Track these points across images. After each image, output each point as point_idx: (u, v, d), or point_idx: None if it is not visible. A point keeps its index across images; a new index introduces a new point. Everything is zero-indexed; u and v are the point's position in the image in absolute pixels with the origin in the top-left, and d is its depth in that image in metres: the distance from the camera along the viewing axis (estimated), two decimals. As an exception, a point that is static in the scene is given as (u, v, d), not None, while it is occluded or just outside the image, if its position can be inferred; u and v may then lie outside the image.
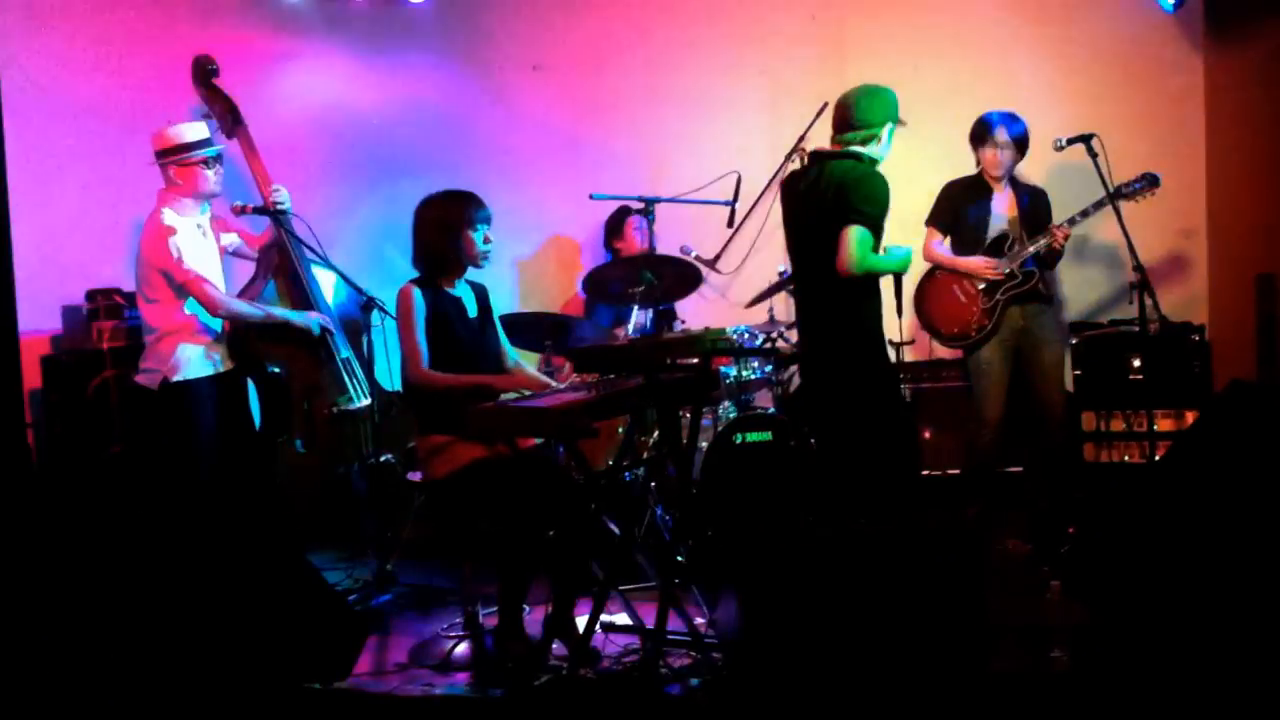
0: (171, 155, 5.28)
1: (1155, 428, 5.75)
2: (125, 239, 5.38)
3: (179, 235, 5.18)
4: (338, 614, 4.11)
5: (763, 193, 6.44)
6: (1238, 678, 3.73)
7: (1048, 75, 6.59)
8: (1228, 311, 6.34)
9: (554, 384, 4.62)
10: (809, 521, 5.42)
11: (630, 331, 5.57)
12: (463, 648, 4.50)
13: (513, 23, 6.97)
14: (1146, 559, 4.03)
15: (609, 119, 6.94)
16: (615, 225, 6.47)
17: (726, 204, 6.02)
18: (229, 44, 6.27)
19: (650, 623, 4.24)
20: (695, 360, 4.34)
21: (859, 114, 4.76)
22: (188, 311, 5.24)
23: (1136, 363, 6.05)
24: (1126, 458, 6.10)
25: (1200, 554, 3.93)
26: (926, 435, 6.40)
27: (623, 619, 4.56)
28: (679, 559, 4.91)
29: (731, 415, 5.79)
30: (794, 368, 6.08)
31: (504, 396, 4.26)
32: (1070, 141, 5.36)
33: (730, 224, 6.20)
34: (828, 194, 4.71)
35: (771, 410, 5.90)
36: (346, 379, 5.56)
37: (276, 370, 5.42)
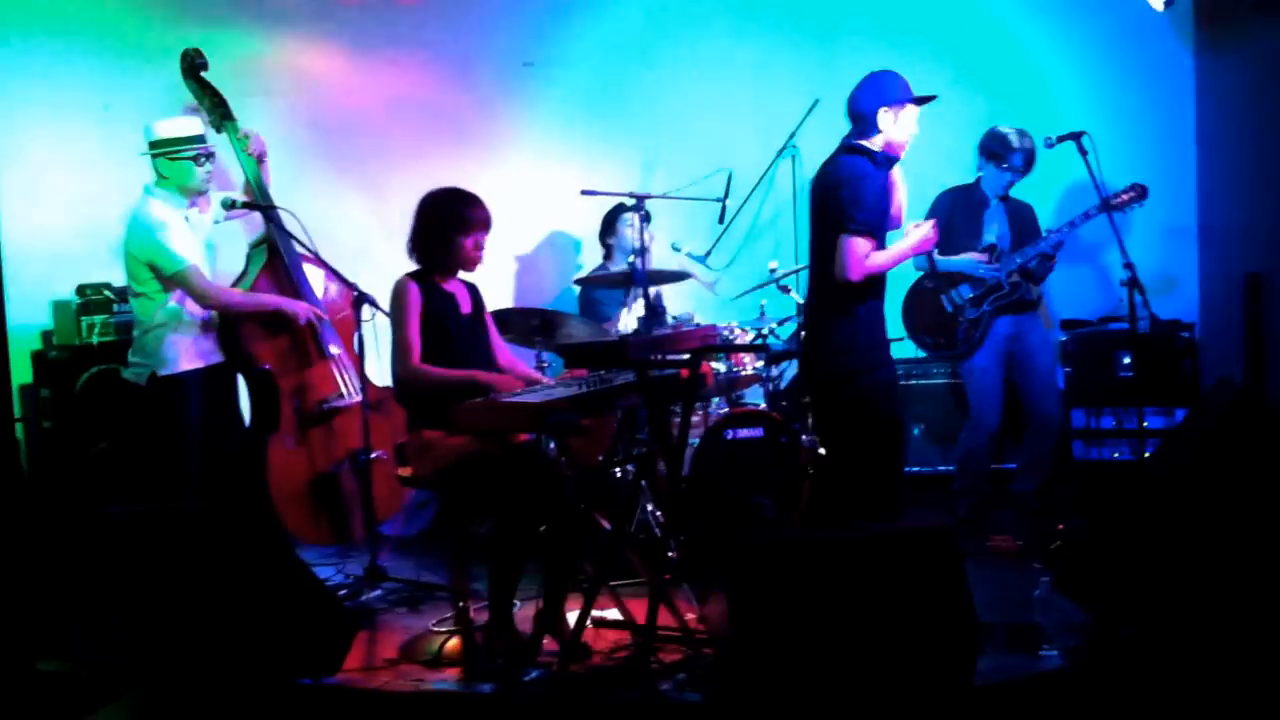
0: (161, 149, 5.27)
1: (1144, 425, 5.77)
2: (115, 233, 5.36)
3: (167, 228, 5.17)
4: (328, 610, 4.11)
5: (753, 189, 6.44)
6: (1229, 672, 3.74)
7: (1038, 72, 6.61)
8: (1217, 310, 6.36)
9: (545, 380, 4.62)
10: (800, 521, 5.43)
11: (620, 328, 5.57)
12: (453, 643, 4.50)
13: (503, 19, 6.95)
14: (1137, 555, 4.04)
15: (600, 115, 6.93)
16: (609, 223, 6.47)
17: (717, 200, 6.02)
18: (219, 38, 6.25)
19: (641, 618, 4.24)
20: (686, 357, 4.34)
21: (852, 106, 4.64)
22: (175, 305, 5.22)
23: (1126, 360, 6.07)
24: (1116, 455, 6.12)
25: (1189, 550, 3.95)
26: (914, 433, 6.41)
27: (613, 614, 4.56)
28: (669, 555, 4.92)
29: (722, 411, 5.79)
30: (785, 364, 6.09)
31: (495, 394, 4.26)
32: (1060, 139, 5.37)
33: (721, 220, 6.20)
34: (820, 194, 4.65)
35: (762, 406, 5.90)
36: (337, 375, 5.55)
37: (266, 367, 5.41)
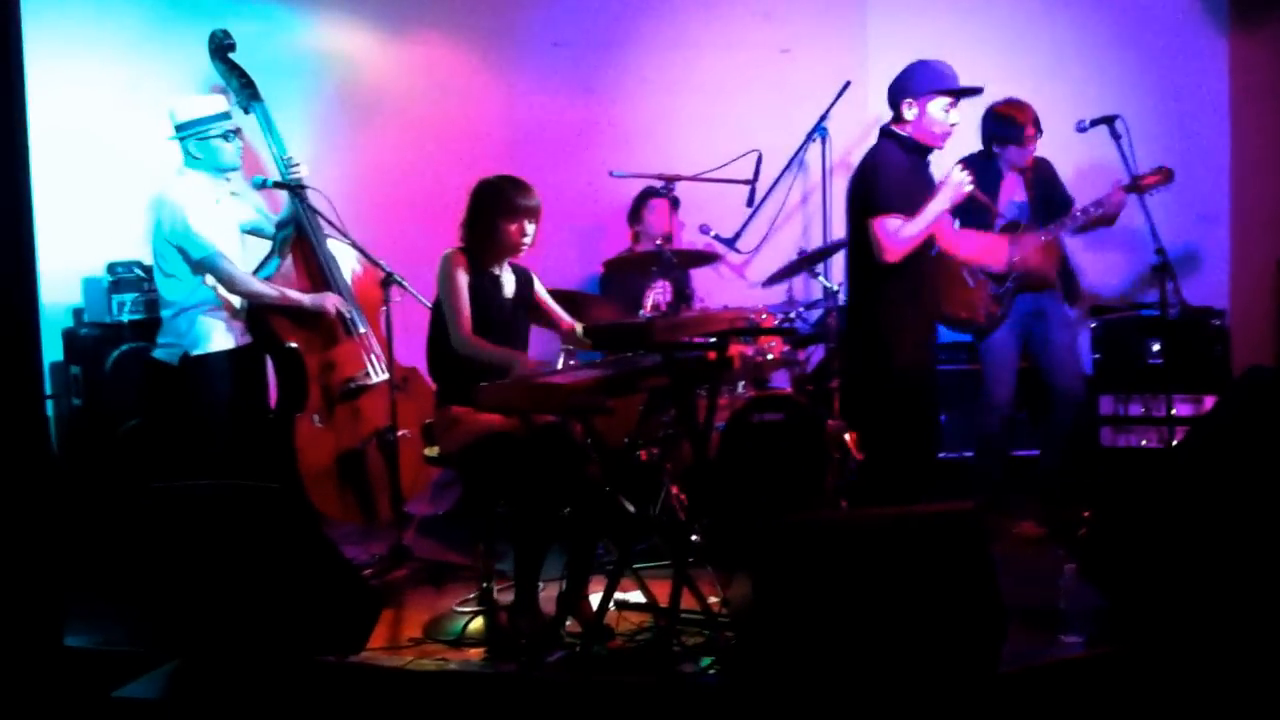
0: (188, 129, 5.29)
1: (1174, 413, 5.73)
2: (146, 211, 5.39)
3: (195, 210, 5.20)
4: (353, 588, 4.13)
5: (783, 172, 6.43)
6: (1255, 662, 3.73)
7: (1071, 57, 6.56)
8: (1249, 297, 6.31)
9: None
10: (825, 504, 5.43)
11: (648, 310, 5.57)
12: (477, 623, 4.52)
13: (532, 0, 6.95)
14: (1163, 543, 4.02)
15: (629, 96, 6.91)
16: (637, 207, 6.45)
17: (746, 183, 6.00)
18: (248, 18, 6.26)
19: (664, 601, 4.25)
20: (713, 339, 4.34)
21: (887, 96, 4.72)
22: (205, 286, 5.25)
23: (1156, 347, 6.03)
24: (1144, 442, 6.08)
25: (1217, 538, 3.92)
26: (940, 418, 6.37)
27: (636, 597, 4.57)
28: (693, 538, 4.92)
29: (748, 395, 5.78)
30: (811, 348, 6.08)
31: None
32: (1094, 123, 5.33)
33: (750, 203, 6.19)
34: (852, 183, 4.71)
35: (789, 391, 5.89)
36: (363, 354, 5.57)
37: (293, 346, 5.42)
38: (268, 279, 5.41)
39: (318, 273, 5.57)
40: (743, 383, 5.85)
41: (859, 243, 4.69)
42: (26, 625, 3.93)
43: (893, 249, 4.48)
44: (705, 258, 5.91)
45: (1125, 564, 4.11)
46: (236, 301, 5.35)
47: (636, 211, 6.42)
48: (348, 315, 5.53)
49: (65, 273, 5.88)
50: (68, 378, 5.84)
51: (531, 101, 6.92)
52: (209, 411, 5.29)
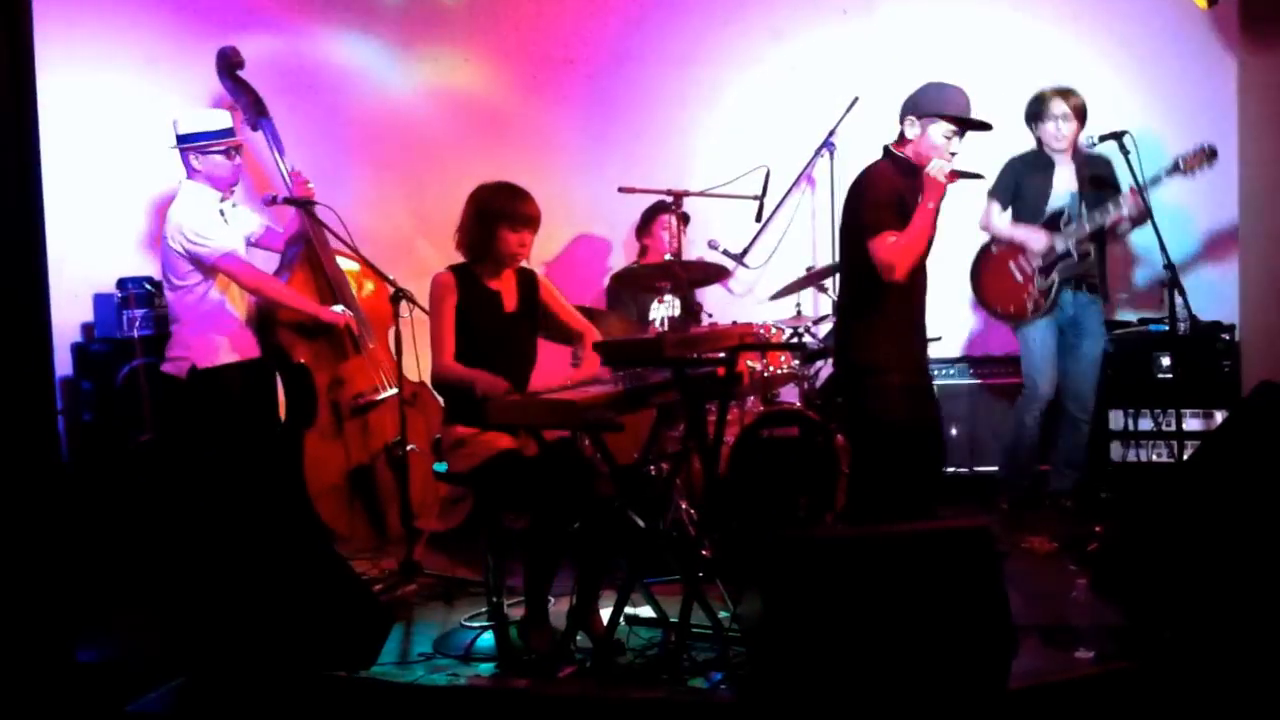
0: (190, 142, 5.32)
1: (1183, 427, 5.72)
2: (157, 226, 5.42)
3: (203, 219, 5.21)
4: (363, 603, 4.13)
5: (791, 188, 6.43)
6: (1266, 678, 3.71)
7: (1080, 71, 6.55)
8: (1259, 311, 6.28)
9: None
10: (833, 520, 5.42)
11: (657, 326, 5.57)
12: (487, 638, 4.51)
13: (545, 15, 6.96)
14: (1175, 558, 4.01)
15: (640, 113, 6.92)
16: (646, 222, 6.46)
17: (755, 198, 6.01)
18: (260, 35, 6.29)
19: (674, 616, 4.25)
20: (723, 355, 4.34)
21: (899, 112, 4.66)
22: (214, 298, 5.27)
23: (1165, 361, 6.01)
24: (1154, 457, 6.07)
25: (1229, 554, 3.91)
26: (954, 432, 6.37)
27: (647, 612, 4.57)
28: (703, 553, 4.91)
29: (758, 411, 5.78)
30: (820, 363, 6.08)
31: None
32: (1103, 138, 5.33)
33: (758, 219, 6.19)
34: (846, 202, 4.64)
35: (798, 406, 5.89)
36: (372, 370, 5.58)
37: (302, 362, 5.43)
38: (277, 294, 5.44)
39: (326, 288, 5.59)
40: (752, 398, 5.85)
41: (848, 259, 4.64)
42: (39, 640, 3.93)
43: (895, 265, 4.38)
44: (713, 272, 5.89)
45: (1137, 579, 4.09)
46: (243, 313, 5.35)
47: (645, 226, 6.42)
48: (356, 331, 5.54)
49: (76, 288, 5.90)
50: (78, 393, 5.86)
51: (544, 117, 6.93)
52: (218, 425, 5.30)
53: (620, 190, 5.61)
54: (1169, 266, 5.18)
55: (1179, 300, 5.21)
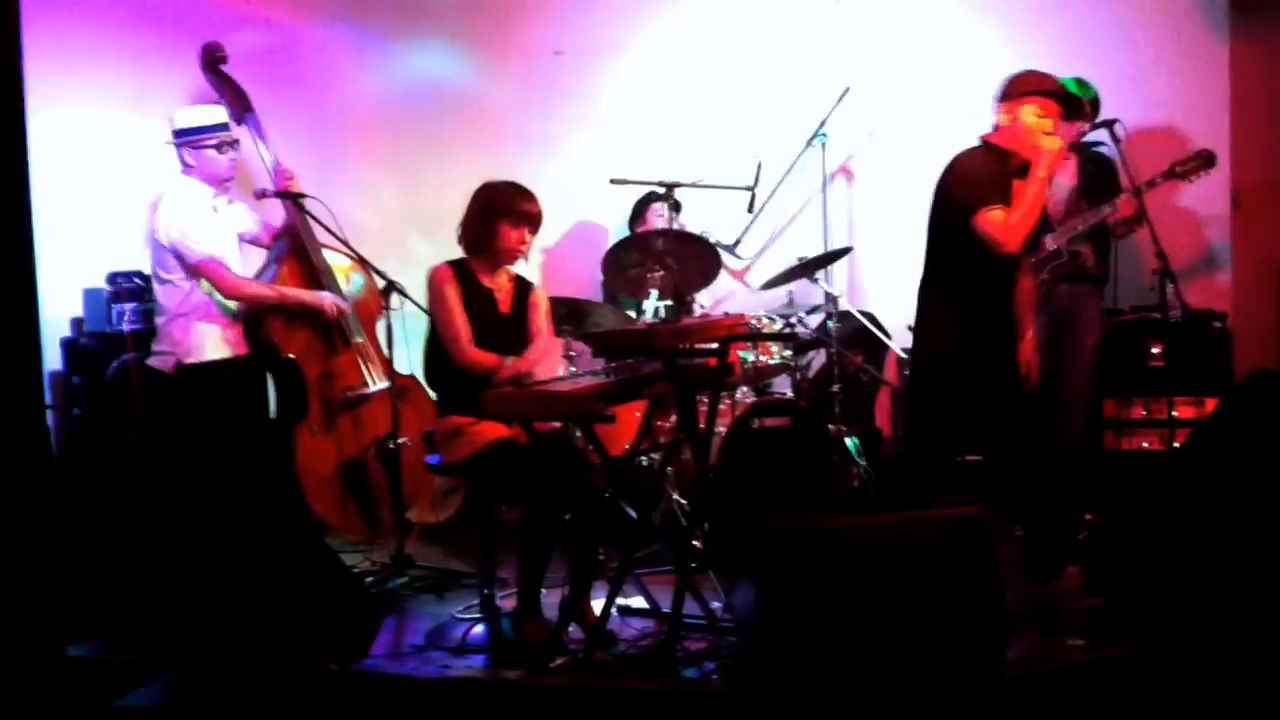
0: (184, 137, 5.30)
1: (1175, 415, 5.72)
2: (145, 220, 5.40)
3: (192, 217, 5.20)
4: (355, 596, 4.13)
5: (783, 178, 6.42)
6: (1258, 666, 3.71)
7: (1071, 60, 6.54)
8: (1250, 300, 6.29)
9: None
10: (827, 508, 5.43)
11: (648, 316, 5.56)
12: (479, 630, 4.51)
13: (534, 7, 6.95)
14: (1166, 546, 4.01)
15: (630, 104, 6.91)
16: (638, 211, 6.45)
17: (747, 189, 6.00)
18: (249, 28, 6.27)
19: (666, 606, 4.24)
20: (714, 345, 4.34)
21: None
22: (202, 292, 5.24)
23: (1157, 350, 6.01)
24: (1145, 445, 6.06)
25: (1220, 541, 3.92)
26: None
27: (639, 602, 4.57)
28: (695, 543, 4.91)
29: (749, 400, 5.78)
30: (812, 353, 6.07)
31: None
32: (1094, 127, 5.33)
33: (750, 209, 6.18)
34: (938, 192, 4.62)
35: (789, 395, 5.89)
36: (361, 363, 5.57)
37: (292, 356, 5.42)
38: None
39: (314, 282, 5.57)
40: (743, 388, 5.85)
41: (938, 248, 4.61)
42: (28, 634, 3.92)
43: (1008, 239, 4.36)
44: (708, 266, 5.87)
45: (1129, 567, 4.10)
46: (232, 309, 5.34)
47: (639, 214, 6.41)
48: (344, 321, 5.53)
49: (66, 283, 5.88)
50: (68, 387, 5.84)
51: (533, 110, 6.92)
52: (206, 421, 5.28)
53: (612, 182, 5.60)
54: (1161, 255, 5.17)
55: (1171, 288, 5.21)
